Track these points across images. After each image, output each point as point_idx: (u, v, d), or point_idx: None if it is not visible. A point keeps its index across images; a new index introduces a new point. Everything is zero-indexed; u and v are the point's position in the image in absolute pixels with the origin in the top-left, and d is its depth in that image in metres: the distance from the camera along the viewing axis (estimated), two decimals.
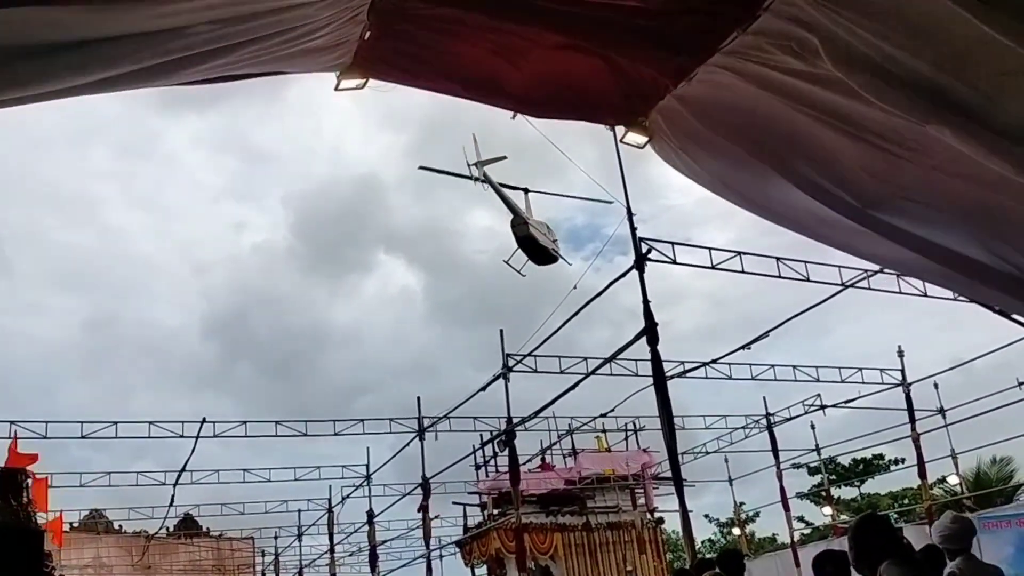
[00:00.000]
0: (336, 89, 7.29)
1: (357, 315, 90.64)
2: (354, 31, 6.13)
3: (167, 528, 31.70)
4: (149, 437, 18.84)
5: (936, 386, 18.89)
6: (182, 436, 18.83)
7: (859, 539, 4.33)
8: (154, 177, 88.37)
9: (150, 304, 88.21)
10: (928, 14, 4.87)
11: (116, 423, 18.75)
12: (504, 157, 20.35)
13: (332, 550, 25.63)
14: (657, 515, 23.80)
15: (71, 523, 30.15)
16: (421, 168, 20.82)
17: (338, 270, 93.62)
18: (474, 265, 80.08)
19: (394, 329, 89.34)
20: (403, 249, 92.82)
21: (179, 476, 20.68)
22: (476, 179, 20.11)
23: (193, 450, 19.05)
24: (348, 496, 23.64)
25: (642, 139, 8.36)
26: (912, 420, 18.70)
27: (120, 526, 34.95)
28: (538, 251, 20.22)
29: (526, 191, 21.73)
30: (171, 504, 23.07)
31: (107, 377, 79.96)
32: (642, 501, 23.86)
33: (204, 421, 18.68)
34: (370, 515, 22.44)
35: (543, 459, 23.34)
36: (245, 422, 19.55)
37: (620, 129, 8.32)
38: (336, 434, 20.00)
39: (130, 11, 4.64)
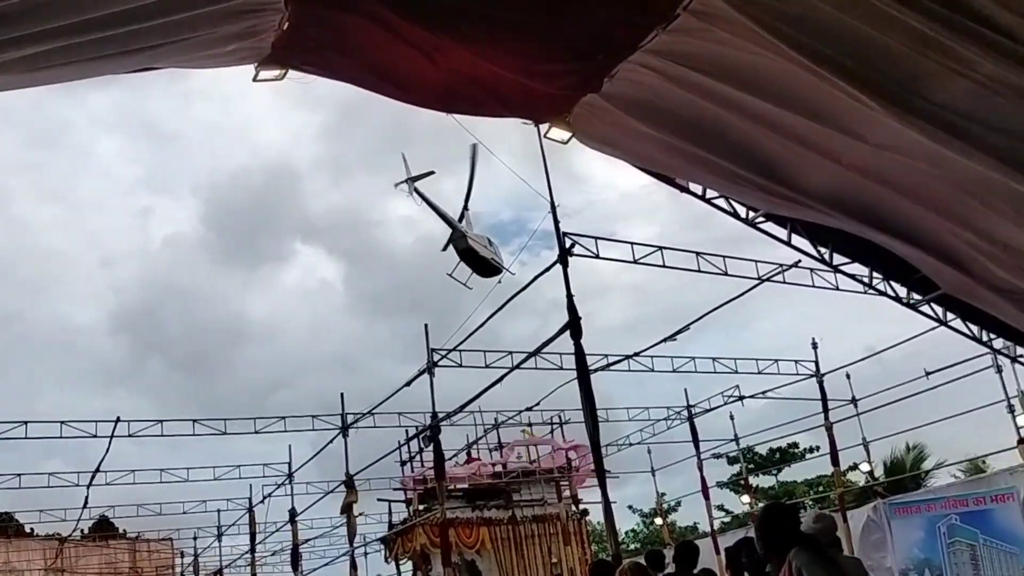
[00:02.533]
0: (254, 80, 7.16)
1: (274, 308, 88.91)
2: (272, 20, 6.02)
3: (81, 530, 30.72)
4: (61, 437, 18.25)
5: (848, 376, 19.50)
6: (96, 436, 18.28)
7: (767, 528, 4.46)
8: (63, 168, 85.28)
9: (58, 300, 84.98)
10: (839, 19, 5.03)
11: (26, 423, 18.13)
12: (432, 172, 20.40)
13: (253, 550, 25.23)
14: (582, 507, 24.04)
15: None
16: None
17: (253, 262, 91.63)
18: (395, 255, 79.50)
19: (313, 321, 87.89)
20: (321, 239, 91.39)
21: (93, 477, 20.08)
22: (419, 194, 20.08)
23: (107, 450, 18.53)
24: (270, 495, 23.30)
25: (566, 135, 8.42)
26: (825, 409, 19.28)
27: (32, 529, 33.74)
28: (480, 263, 20.32)
29: (465, 206, 21.83)
30: (85, 506, 22.39)
31: (12, 375, 76.93)
32: (567, 494, 24.07)
33: (118, 420, 18.17)
34: (292, 514, 22.15)
35: (468, 453, 23.34)
36: (161, 421, 19.10)
37: (544, 124, 8.39)
38: (256, 432, 19.67)
39: None
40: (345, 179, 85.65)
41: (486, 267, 20.57)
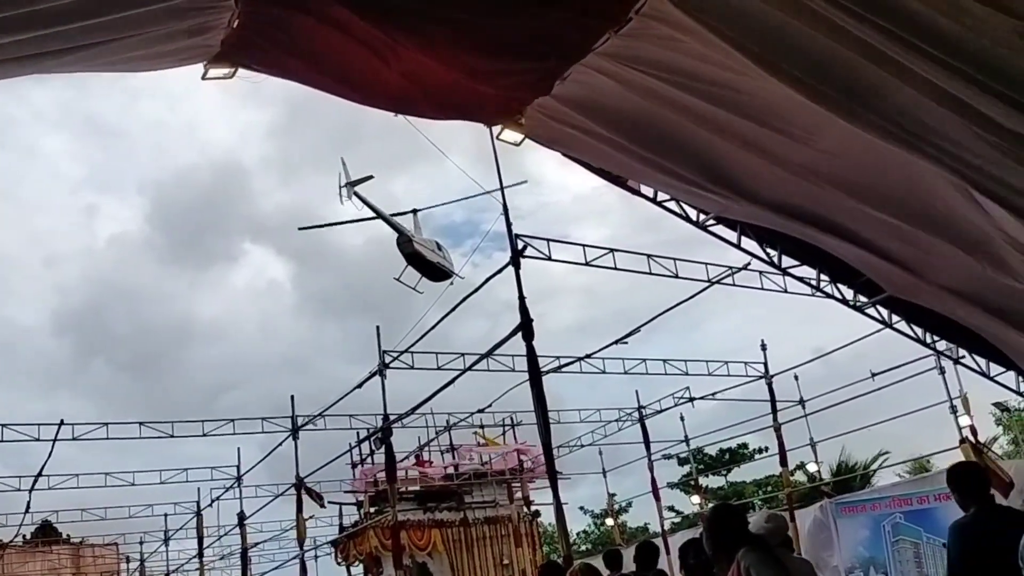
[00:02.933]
0: (203, 78, 7.05)
1: (222, 308, 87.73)
2: (222, 18, 5.94)
3: (23, 536, 29.94)
4: (2, 441, 17.79)
5: (796, 378, 19.78)
6: (39, 439, 17.86)
7: (715, 528, 4.50)
8: (7, 165, 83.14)
9: None
10: (788, 25, 5.09)
11: None
12: (371, 177, 20.20)
13: (201, 554, 24.84)
14: (533, 508, 24.09)
15: None
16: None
17: (201, 261, 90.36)
18: (345, 255, 78.78)
19: (262, 322, 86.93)
20: (270, 239, 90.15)
21: (35, 481, 19.62)
22: (361, 199, 19.86)
23: (50, 454, 18.09)
24: (218, 498, 22.96)
25: (518, 136, 8.44)
26: (774, 411, 19.53)
27: None
28: (427, 267, 20.23)
29: (415, 211, 21.72)
30: (27, 511, 21.82)
31: None
32: (519, 495, 24.09)
33: (62, 423, 17.78)
34: (241, 517, 21.84)
35: (417, 456, 23.22)
36: (106, 424, 18.71)
37: (496, 126, 8.39)
38: (205, 434, 19.37)
39: None
40: (294, 178, 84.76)
41: (435, 271, 20.48)
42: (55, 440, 17.74)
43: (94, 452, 24.56)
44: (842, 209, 7.75)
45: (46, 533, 34.35)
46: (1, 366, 76.59)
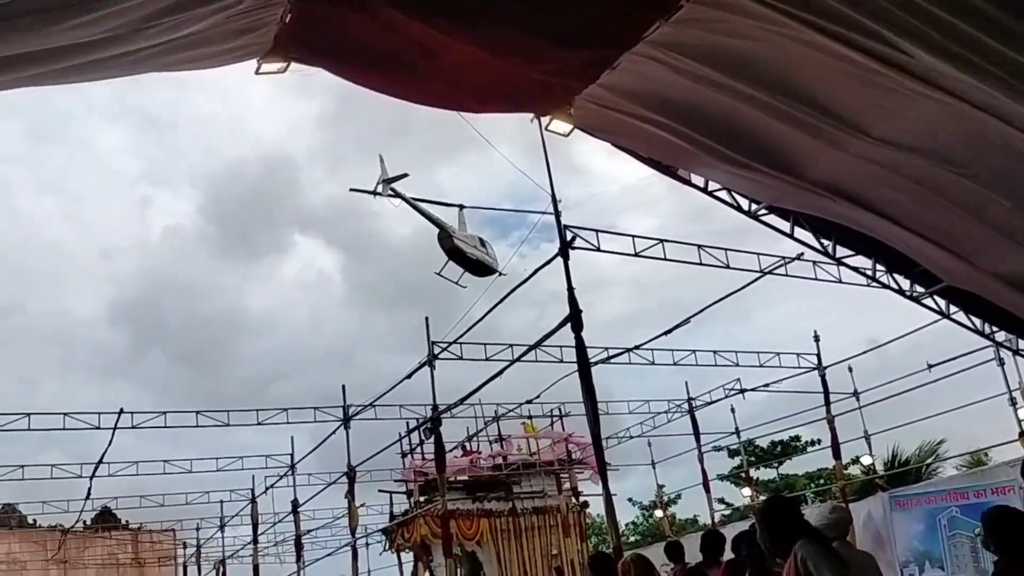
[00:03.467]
0: (257, 73, 7.15)
1: (273, 300, 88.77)
2: (274, 13, 6.02)
3: (84, 522, 30.77)
4: (64, 429, 18.27)
5: (850, 369, 19.45)
6: (99, 428, 18.31)
7: (770, 521, 4.44)
8: (64, 160, 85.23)
9: (57, 292, 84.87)
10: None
11: (28, 415, 18.14)
12: (407, 175, 20.17)
13: (256, 540, 25.28)
14: (582, 499, 24.07)
15: None
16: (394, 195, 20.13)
17: (252, 253, 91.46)
18: (393, 246, 79.22)
19: (311, 313, 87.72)
20: (319, 230, 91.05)
21: (96, 469, 20.13)
22: (398, 195, 19.87)
23: (110, 442, 18.57)
24: (272, 486, 23.33)
25: (567, 127, 8.41)
26: (827, 403, 19.26)
27: (34, 520, 33.80)
28: (469, 263, 20.25)
29: (460, 207, 21.75)
30: (87, 497, 22.42)
31: (10, 367, 76.85)
32: (567, 486, 24.09)
33: (122, 412, 18.21)
34: (295, 504, 22.19)
35: (464, 446, 23.32)
36: (164, 412, 19.12)
37: (545, 118, 8.37)
38: (259, 423, 19.71)
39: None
40: (342, 169, 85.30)
41: (477, 267, 20.48)
42: (115, 428, 18.18)
43: (151, 440, 25.17)
44: (900, 194, 7.61)
45: (106, 519, 35.25)
46: (59, 356, 78.95)
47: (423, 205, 20.66)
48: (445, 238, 20.25)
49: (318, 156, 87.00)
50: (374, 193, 19.80)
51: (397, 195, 19.84)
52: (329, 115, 76.63)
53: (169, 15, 5.16)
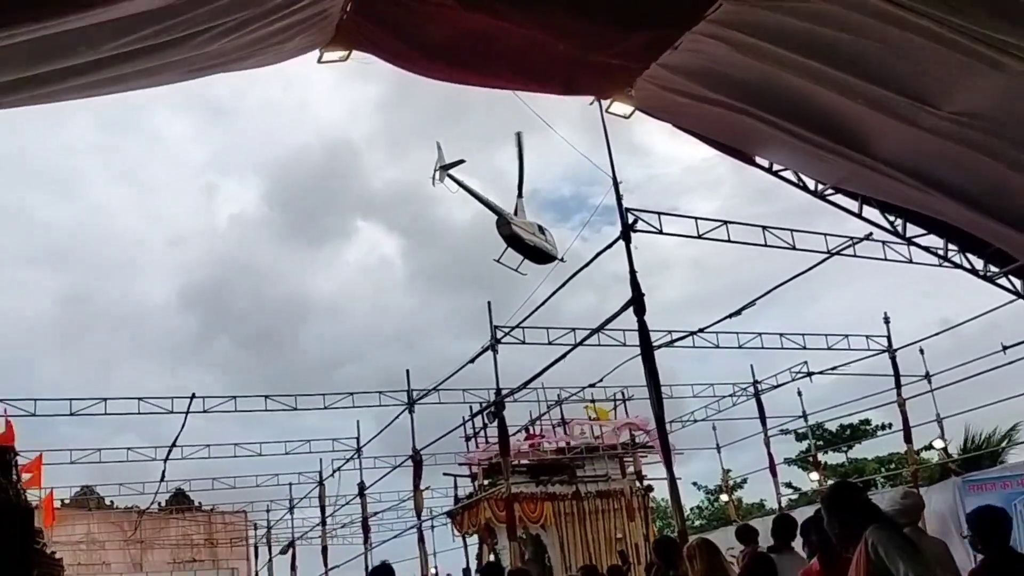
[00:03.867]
0: (319, 62, 7.25)
1: (336, 284, 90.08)
2: (336, 4, 6.09)
3: (159, 503, 31.69)
4: (138, 413, 18.81)
5: (922, 351, 18.98)
6: (171, 412, 18.81)
7: (837, 507, 4.35)
8: (134, 150, 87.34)
9: (128, 279, 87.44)
10: None
11: (105, 399, 18.72)
12: (463, 161, 20.25)
13: (324, 522, 25.76)
14: (646, 483, 23.98)
15: (62, 499, 30.14)
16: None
17: (315, 239, 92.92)
18: (453, 230, 79.63)
19: (374, 298, 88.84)
20: (381, 215, 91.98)
21: (169, 452, 20.69)
22: (456, 181, 20.01)
23: (183, 425, 19.04)
24: (339, 469, 23.73)
25: (628, 109, 8.36)
26: (898, 386, 18.84)
27: (111, 502, 34.93)
28: (527, 249, 20.28)
29: (519, 194, 21.79)
30: (162, 479, 23.10)
31: (84, 353, 79.47)
32: (631, 469, 24.02)
33: (193, 396, 18.66)
34: (361, 487, 22.53)
35: (527, 430, 23.37)
36: (235, 397, 19.54)
37: (605, 100, 8.31)
38: (326, 407, 20.05)
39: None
40: (403, 153, 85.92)
41: (536, 253, 20.46)
42: (187, 412, 18.64)
43: (220, 424, 25.81)
44: (970, 171, 7.38)
45: (179, 501, 36.24)
46: (131, 342, 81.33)
47: (479, 192, 20.75)
48: (503, 224, 20.28)
49: (377, 141, 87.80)
50: (434, 181, 19.96)
51: (456, 182, 19.98)
52: (387, 99, 77.15)
53: (236, 11, 5.25)
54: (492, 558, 21.63)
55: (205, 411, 18.95)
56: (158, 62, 5.46)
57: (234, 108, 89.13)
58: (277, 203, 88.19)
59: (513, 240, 20.29)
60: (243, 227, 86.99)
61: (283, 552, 30.51)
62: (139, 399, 18.89)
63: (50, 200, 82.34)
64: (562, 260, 19.55)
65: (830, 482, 27.00)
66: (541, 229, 21.20)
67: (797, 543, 7.45)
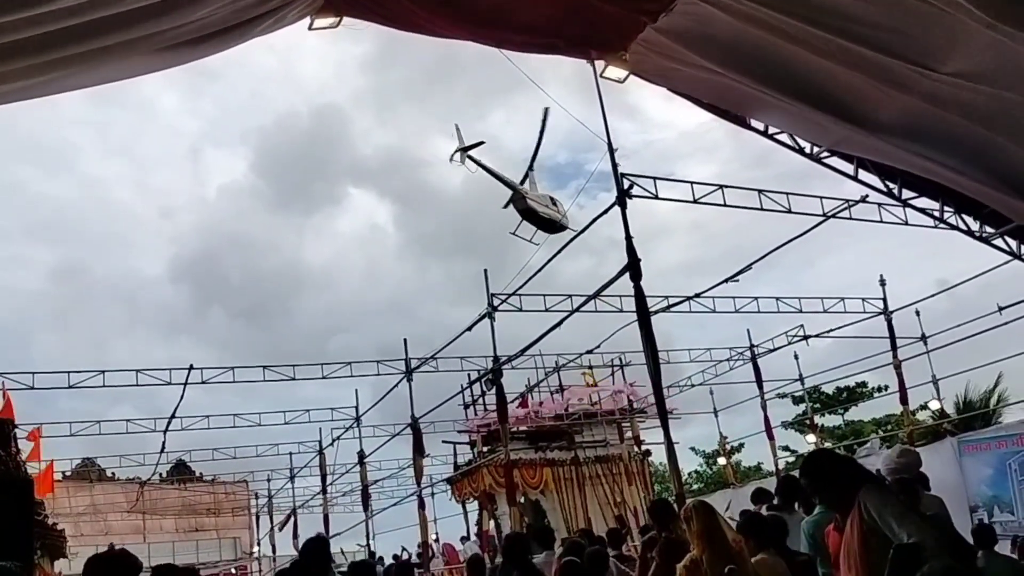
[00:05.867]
0: (310, 29, 7.17)
1: (329, 253, 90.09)
2: None
3: (160, 474, 31.89)
4: (137, 385, 18.85)
5: (918, 313, 19.04)
6: (170, 383, 18.85)
7: (820, 476, 4.34)
8: (127, 122, 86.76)
9: (122, 252, 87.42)
10: None
11: (103, 372, 18.75)
12: (483, 142, 20.72)
13: (324, 491, 25.94)
14: (644, 448, 24.13)
15: (63, 472, 30.32)
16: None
17: (306, 208, 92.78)
18: (445, 195, 79.46)
19: (367, 266, 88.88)
20: (372, 181, 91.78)
21: (169, 423, 20.76)
22: (475, 161, 20.28)
23: (182, 397, 19.07)
24: (338, 438, 23.86)
25: (622, 73, 8.29)
26: (894, 348, 18.91)
27: (113, 473, 35.15)
28: (541, 221, 20.62)
29: (530, 168, 22.26)
30: (162, 450, 23.21)
31: (80, 327, 79.62)
32: (629, 435, 24.15)
33: (191, 368, 18.69)
34: (361, 456, 22.67)
35: (522, 397, 23.49)
36: (232, 368, 19.58)
37: (599, 64, 8.24)
38: (324, 377, 20.12)
39: None
40: (391, 115, 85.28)
41: (549, 225, 20.84)
42: (186, 384, 18.67)
43: (218, 395, 25.86)
44: (966, 135, 7.35)
45: (181, 471, 36.47)
46: (126, 315, 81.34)
47: (496, 170, 21.19)
48: (519, 199, 20.74)
49: (365, 103, 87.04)
50: (451, 159, 20.37)
51: (475, 161, 20.31)
52: (373, 59, 76.42)
53: None
54: (492, 524, 21.84)
55: (203, 382, 18.98)
56: (140, 33, 5.39)
57: (221, 74, 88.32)
58: (266, 172, 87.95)
59: (528, 214, 20.68)
60: (233, 197, 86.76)
61: (282, 527, 30.73)
62: (137, 371, 18.92)
63: (44, 174, 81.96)
64: (574, 230, 19.80)
65: (827, 444, 27.25)
66: (553, 201, 21.60)
67: None
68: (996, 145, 7.36)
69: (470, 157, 20.42)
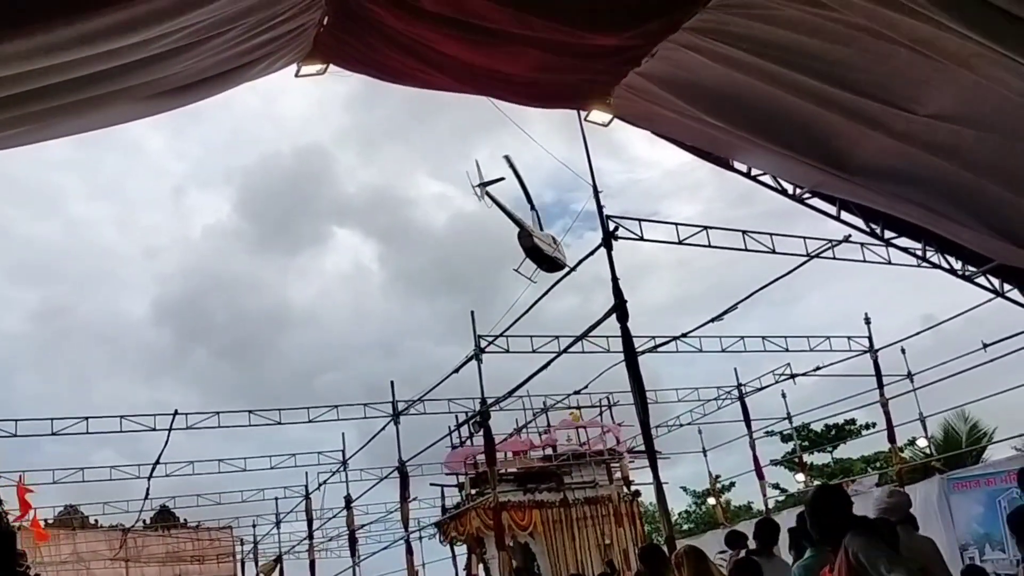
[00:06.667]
0: (297, 76, 7.25)
1: (314, 292, 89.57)
2: (313, 17, 6.09)
3: (144, 521, 31.42)
4: (121, 432, 18.65)
5: (903, 351, 19.12)
6: (154, 429, 18.66)
7: (821, 512, 4.37)
8: (112, 163, 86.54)
9: (106, 293, 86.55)
10: None
11: (87, 418, 18.55)
12: (503, 178, 21.72)
13: (311, 536, 25.63)
14: (633, 488, 23.98)
15: (45, 519, 29.85)
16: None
17: (291, 248, 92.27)
18: (430, 233, 79.53)
19: (353, 305, 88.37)
20: (356, 220, 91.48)
21: (153, 469, 20.53)
22: (491, 198, 20.94)
23: (166, 443, 18.89)
24: (325, 482, 23.65)
25: (607, 117, 8.40)
26: (880, 385, 18.95)
27: (96, 520, 34.61)
28: (544, 260, 21.03)
29: (532, 207, 23.22)
30: (146, 497, 22.92)
31: (63, 368, 78.75)
32: (619, 475, 24.01)
33: (176, 413, 18.54)
34: (348, 500, 22.45)
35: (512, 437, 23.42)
36: (218, 413, 19.42)
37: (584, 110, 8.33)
38: (311, 420, 19.98)
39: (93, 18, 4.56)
40: (375, 153, 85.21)
41: (551, 263, 21.33)
42: (170, 429, 18.49)
43: (202, 438, 25.55)
44: (945, 176, 7.45)
45: (164, 518, 35.94)
46: (110, 356, 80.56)
47: (509, 208, 22.12)
48: (525, 237, 21.35)
49: (348, 140, 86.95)
50: (474, 191, 21.07)
51: (492, 199, 20.94)
52: (355, 97, 76.06)
53: (213, 31, 5.24)
54: (482, 569, 21.60)
55: (188, 427, 18.81)
56: (134, 82, 5.43)
57: (205, 114, 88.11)
58: (250, 212, 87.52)
59: (533, 251, 21.07)
60: (217, 238, 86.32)
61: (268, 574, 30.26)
62: (121, 417, 18.72)
63: (28, 215, 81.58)
64: (573, 269, 20.08)
65: (816, 483, 27.15)
66: (554, 240, 22.03)
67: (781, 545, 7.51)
68: (974, 185, 7.47)
69: (488, 194, 21.20)
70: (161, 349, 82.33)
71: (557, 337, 15.78)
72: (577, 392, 20.18)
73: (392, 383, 19.25)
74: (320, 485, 24.14)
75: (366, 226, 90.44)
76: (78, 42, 4.74)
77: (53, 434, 18.17)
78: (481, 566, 21.70)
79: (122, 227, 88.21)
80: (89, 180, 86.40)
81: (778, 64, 6.20)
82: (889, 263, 12.97)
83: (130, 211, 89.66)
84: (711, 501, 29.81)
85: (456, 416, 21.18)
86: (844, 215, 10.77)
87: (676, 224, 12.88)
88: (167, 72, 5.64)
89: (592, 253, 11.23)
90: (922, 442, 21.06)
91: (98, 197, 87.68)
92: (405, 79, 7.37)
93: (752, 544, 8.13)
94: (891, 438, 19.14)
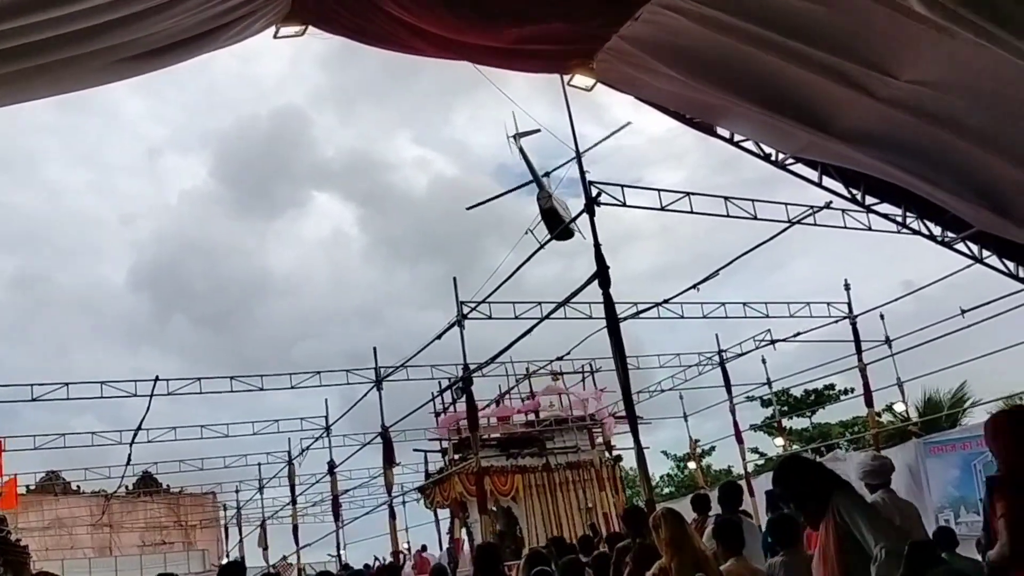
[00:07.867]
0: (275, 37, 7.13)
1: (293, 258, 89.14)
2: None
3: (126, 487, 31.44)
4: (102, 397, 18.59)
5: (882, 317, 19.28)
6: (136, 395, 18.59)
7: (796, 481, 4.40)
8: (91, 129, 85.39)
9: (83, 260, 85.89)
10: None
11: (67, 384, 18.49)
12: (539, 130, 21.09)
13: (294, 501, 25.73)
14: (615, 453, 24.19)
15: (27, 485, 29.83)
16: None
17: (269, 213, 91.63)
18: (410, 198, 78.99)
19: (333, 271, 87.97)
20: (335, 184, 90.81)
21: (135, 435, 20.48)
22: (521, 151, 21.84)
23: (148, 408, 18.82)
24: (308, 448, 23.71)
25: (590, 81, 8.32)
26: (859, 351, 19.13)
27: (78, 487, 34.61)
28: (557, 224, 20.89)
29: (547, 174, 23.14)
30: (128, 463, 22.87)
31: (42, 336, 78.30)
32: (600, 440, 24.20)
33: (157, 379, 18.47)
34: (331, 465, 22.53)
35: (497, 404, 23.51)
36: (199, 379, 19.36)
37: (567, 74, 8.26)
38: (293, 387, 19.99)
39: None
40: (352, 115, 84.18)
41: (564, 231, 21.27)
42: (151, 396, 18.43)
43: (184, 405, 25.49)
44: (928, 141, 7.47)
45: (147, 484, 35.98)
46: (88, 323, 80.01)
47: (534, 164, 22.56)
48: (545, 198, 21.00)
49: (325, 101, 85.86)
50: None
51: (522, 153, 20.87)
52: (332, 55, 75.39)
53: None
54: (464, 532, 21.77)
55: (170, 393, 18.75)
56: (109, 43, 5.34)
57: (182, 77, 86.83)
58: (227, 177, 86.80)
59: (549, 214, 20.85)
60: (195, 203, 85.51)
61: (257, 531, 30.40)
62: (102, 383, 18.65)
63: (6, 182, 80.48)
64: (584, 237, 20.11)
65: (795, 447, 27.50)
66: (566, 207, 22.00)
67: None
68: (958, 150, 7.47)
69: (520, 148, 21.55)
70: (141, 317, 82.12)
71: (539, 303, 15.81)
72: (559, 358, 20.27)
73: (375, 349, 19.28)
74: (303, 451, 24.21)
75: (345, 190, 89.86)
76: (50, 1, 4.66)
77: (33, 400, 18.10)
78: (464, 530, 21.86)
79: (100, 193, 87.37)
80: (68, 146, 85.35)
81: (760, 26, 6.16)
82: (870, 229, 13.03)
83: (107, 177, 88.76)
84: (691, 465, 30.09)
85: (439, 382, 21.26)
86: (826, 181, 10.79)
87: (659, 190, 12.89)
88: (144, 32, 5.55)
89: (575, 219, 11.24)
90: (899, 407, 21.29)
91: (76, 163, 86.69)
92: (386, 43, 7.28)
93: (717, 509, 8.20)
94: (868, 403, 19.37)
